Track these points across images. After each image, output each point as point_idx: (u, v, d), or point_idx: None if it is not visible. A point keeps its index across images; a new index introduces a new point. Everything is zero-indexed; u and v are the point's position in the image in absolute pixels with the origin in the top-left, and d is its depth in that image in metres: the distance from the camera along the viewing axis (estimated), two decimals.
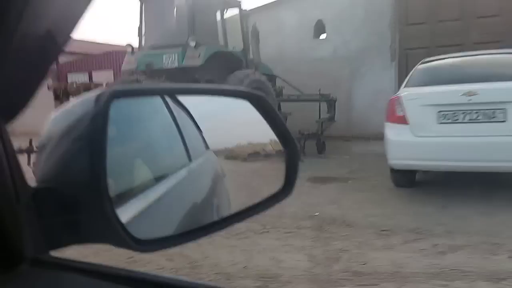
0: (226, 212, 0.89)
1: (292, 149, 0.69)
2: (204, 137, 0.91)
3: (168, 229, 0.69)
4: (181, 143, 0.85)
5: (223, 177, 0.91)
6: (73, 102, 0.58)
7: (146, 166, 0.72)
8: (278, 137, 0.70)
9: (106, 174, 0.55)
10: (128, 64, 8.64)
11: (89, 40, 18.48)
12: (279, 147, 1.14)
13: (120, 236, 0.54)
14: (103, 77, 9.23)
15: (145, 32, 8.80)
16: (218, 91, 0.75)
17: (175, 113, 0.85)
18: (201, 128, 0.91)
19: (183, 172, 0.82)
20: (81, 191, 0.54)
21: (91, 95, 0.56)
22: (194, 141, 0.87)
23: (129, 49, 8.72)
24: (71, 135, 0.56)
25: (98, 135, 0.53)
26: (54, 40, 0.50)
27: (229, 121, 0.96)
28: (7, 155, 0.48)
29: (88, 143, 0.53)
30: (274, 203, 0.67)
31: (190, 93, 0.72)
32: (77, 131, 0.55)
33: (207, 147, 0.91)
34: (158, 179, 0.74)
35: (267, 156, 1.03)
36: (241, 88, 0.73)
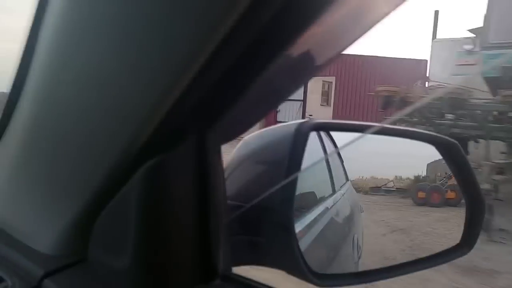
0: (361, 245, 0.88)
1: (477, 202, 0.66)
2: (345, 167, 0.91)
3: (321, 261, 0.70)
4: (327, 173, 0.85)
5: (360, 211, 0.90)
6: (267, 129, 0.60)
7: (304, 195, 0.74)
8: (462, 188, 0.68)
9: (294, 202, 0.57)
10: (464, 67, 6.34)
11: None
12: (401, 184, 1.13)
13: (301, 267, 0.55)
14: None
15: (494, 23, 6.17)
16: (411, 134, 0.74)
17: (324, 142, 0.87)
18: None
19: (329, 202, 0.82)
20: (268, 215, 0.56)
21: (289, 124, 0.58)
22: (338, 172, 0.88)
23: (468, 46, 6.36)
24: (265, 159, 0.58)
25: (295, 163, 0.55)
26: (312, 61, 0.42)
27: (353, 153, 0.96)
28: (220, 174, 0.51)
29: (284, 169, 0.55)
30: (448, 259, 0.65)
31: (386, 134, 0.71)
32: (272, 157, 0.57)
33: (347, 178, 0.91)
34: (311, 207, 0.75)
35: (387, 191, 1.05)
36: (437, 134, 0.71)
